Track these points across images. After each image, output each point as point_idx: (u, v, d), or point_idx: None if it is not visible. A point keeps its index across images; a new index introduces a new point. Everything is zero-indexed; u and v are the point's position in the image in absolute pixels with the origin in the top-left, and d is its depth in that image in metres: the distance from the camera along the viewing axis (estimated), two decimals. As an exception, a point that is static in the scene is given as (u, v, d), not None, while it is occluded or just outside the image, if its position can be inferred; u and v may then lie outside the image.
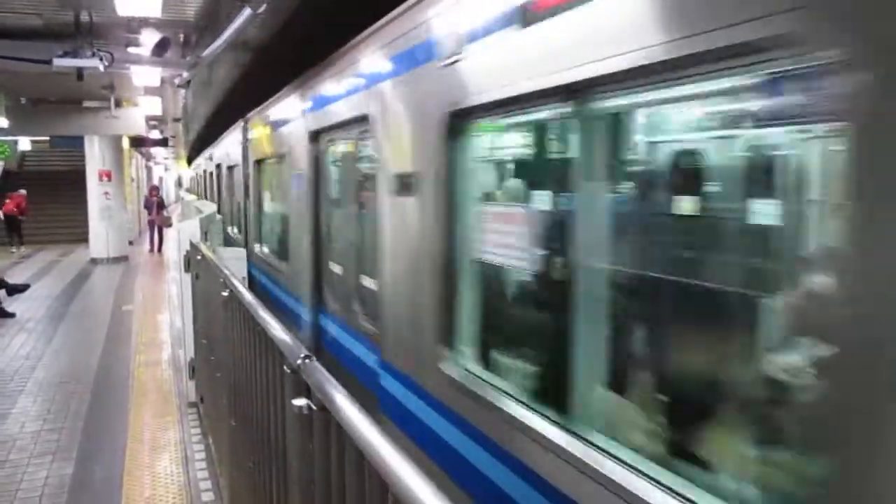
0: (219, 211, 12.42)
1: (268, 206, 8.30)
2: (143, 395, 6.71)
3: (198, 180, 21.32)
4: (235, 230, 10.83)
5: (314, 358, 1.93)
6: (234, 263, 6.05)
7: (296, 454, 2.05)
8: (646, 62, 1.82)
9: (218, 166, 13.41)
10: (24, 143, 27.38)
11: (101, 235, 17.82)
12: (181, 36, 9.07)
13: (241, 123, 9.30)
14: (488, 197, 3.35)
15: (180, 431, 5.70)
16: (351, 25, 4.29)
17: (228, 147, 11.25)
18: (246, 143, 9.02)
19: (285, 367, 2.07)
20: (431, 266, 3.19)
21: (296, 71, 5.99)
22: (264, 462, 2.69)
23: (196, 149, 22.14)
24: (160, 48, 8.61)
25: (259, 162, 8.31)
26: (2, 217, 20.50)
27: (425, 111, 3.19)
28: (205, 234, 7.14)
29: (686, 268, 2.56)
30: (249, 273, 8.22)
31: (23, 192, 21.16)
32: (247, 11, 5.76)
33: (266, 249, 8.16)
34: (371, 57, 4.04)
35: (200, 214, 8.45)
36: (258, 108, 8.05)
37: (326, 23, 5.38)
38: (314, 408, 1.83)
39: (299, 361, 1.94)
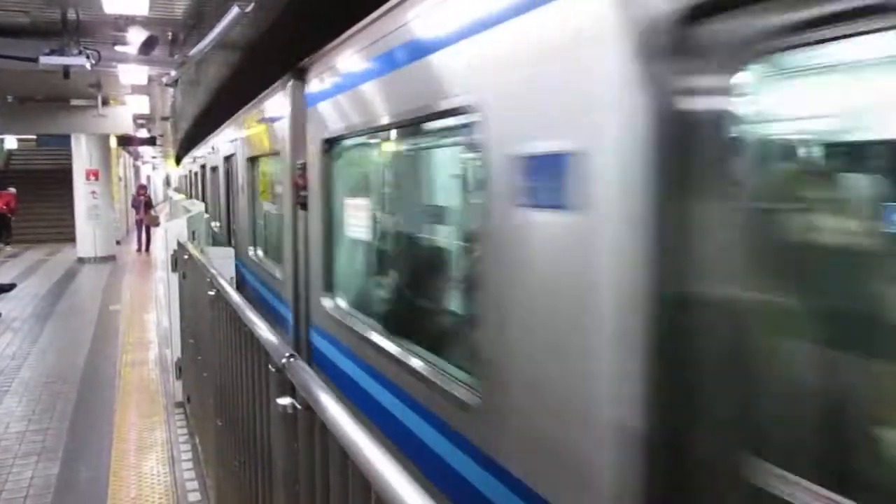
0: (229, 229, 9.90)
1: (361, 226, 4.43)
2: (129, 394, 6.67)
3: (191, 179, 19.00)
4: (260, 254, 7.37)
5: (298, 357, 1.93)
6: (220, 263, 6.01)
7: (281, 453, 2.04)
8: None
9: (227, 159, 9.43)
10: (11, 142, 27.15)
11: (89, 235, 17.70)
12: (169, 34, 9.04)
13: (286, 80, 5.27)
14: None
15: (167, 431, 5.67)
16: (339, 22, 4.27)
17: (250, 128, 7.40)
18: (299, 112, 5.08)
19: (270, 367, 2.07)
20: None
21: (283, 70, 5.91)
22: (250, 461, 2.69)
23: (185, 147, 21.73)
24: (147, 46, 8.59)
25: (334, 142, 4.48)
26: None
27: None
28: (192, 234, 7.11)
29: None
30: (313, 353, 4.96)
31: (12, 190, 21.04)
32: (234, 9, 5.76)
33: (358, 310, 4.38)
34: None
35: (188, 214, 8.40)
36: (337, 41, 4.27)
37: (314, 20, 5.37)
38: (299, 407, 1.83)
39: (284, 360, 1.93)
